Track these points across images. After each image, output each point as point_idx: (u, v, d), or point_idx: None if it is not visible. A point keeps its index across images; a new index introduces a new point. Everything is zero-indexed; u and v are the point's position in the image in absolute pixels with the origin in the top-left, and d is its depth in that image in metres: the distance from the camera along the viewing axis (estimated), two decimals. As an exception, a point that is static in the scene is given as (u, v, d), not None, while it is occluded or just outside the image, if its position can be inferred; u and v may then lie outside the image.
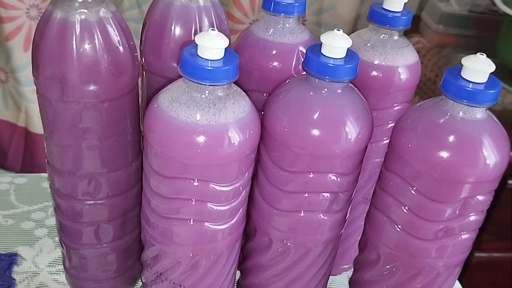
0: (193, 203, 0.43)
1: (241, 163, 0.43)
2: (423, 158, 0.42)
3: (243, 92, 0.43)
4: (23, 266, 0.60)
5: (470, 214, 0.44)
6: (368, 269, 0.50)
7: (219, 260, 0.47)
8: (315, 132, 0.42)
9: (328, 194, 0.46)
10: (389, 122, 0.53)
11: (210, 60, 0.39)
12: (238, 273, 0.57)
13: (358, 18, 1.26)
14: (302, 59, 0.45)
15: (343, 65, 0.42)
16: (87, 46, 0.41)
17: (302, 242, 0.49)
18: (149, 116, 0.42)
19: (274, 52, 0.51)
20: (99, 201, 0.50)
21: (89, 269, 0.54)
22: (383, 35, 0.51)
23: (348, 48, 0.42)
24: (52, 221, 0.66)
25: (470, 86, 0.40)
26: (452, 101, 0.41)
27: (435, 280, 0.47)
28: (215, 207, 0.44)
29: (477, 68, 0.40)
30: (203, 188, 0.42)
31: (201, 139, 0.40)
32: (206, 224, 0.44)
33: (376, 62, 0.51)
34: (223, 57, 0.40)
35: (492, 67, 0.40)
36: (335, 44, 0.42)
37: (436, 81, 1.11)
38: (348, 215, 0.51)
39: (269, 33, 0.51)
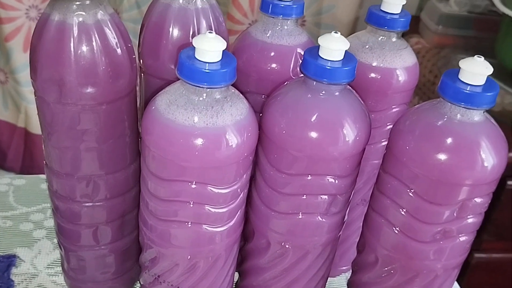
0: (191, 205, 0.43)
1: (239, 166, 0.43)
2: (420, 160, 0.42)
3: (240, 95, 0.43)
4: (21, 267, 0.60)
5: (468, 217, 0.44)
6: (366, 271, 0.50)
7: (217, 262, 0.47)
8: (313, 134, 0.42)
9: (326, 196, 0.46)
10: (388, 124, 0.53)
11: (208, 62, 0.39)
12: (236, 274, 0.57)
13: (357, 19, 1.26)
14: (300, 61, 0.45)
15: (341, 67, 0.42)
16: (84, 49, 0.42)
17: (300, 244, 0.49)
18: (147, 119, 0.42)
19: (272, 54, 0.51)
20: (97, 203, 0.50)
21: (87, 271, 0.54)
22: (381, 37, 0.51)
23: (345, 51, 0.42)
24: (50, 222, 0.66)
25: (468, 89, 0.40)
26: (449, 103, 0.41)
27: (433, 282, 0.47)
28: (213, 210, 0.44)
29: (475, 70, 0.40)
30: (201, 191, 0.42)
31: (198, 141, 0.40)
32: (204, 226, 0.44)
33: (374, 64, 0.51)
34: (220, 59, 0.40)
35: (489, 69, 0.40)
36: (333, 47, 0.42)
37: (436, 82, 1.11)
38: (346, 217, 0.51)
39: (267, 35, 0.51)
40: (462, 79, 0.40)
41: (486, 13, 1.19)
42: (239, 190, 0.44)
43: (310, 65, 0.42)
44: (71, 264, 0.54)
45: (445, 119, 0.42)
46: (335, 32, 0.42)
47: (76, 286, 0.56)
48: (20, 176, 0.74)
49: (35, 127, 1.29)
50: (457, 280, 0.55)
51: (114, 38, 0.43)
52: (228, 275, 0.50)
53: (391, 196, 0.45)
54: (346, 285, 0.56)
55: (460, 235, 0.45)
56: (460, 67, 0.41)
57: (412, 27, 0.53)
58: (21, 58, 1.22)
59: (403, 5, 0.51)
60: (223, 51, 0.40)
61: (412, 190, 0.43)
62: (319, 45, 0.42)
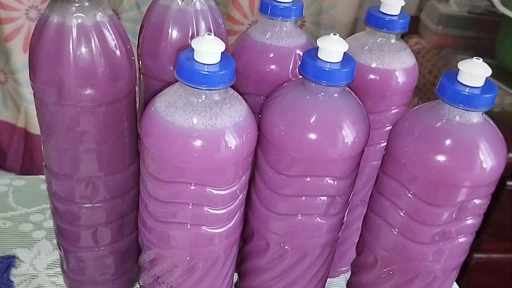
0: (190, 207, 0.43)
1: (238, 167, 0.43)
2: (419, 162, 0.42)
3: (239, 96, 0.43)
4: (21, 268, 0.60)
5: (467, 218, 0.44)
6: (366, 272, 0.50)
7: (217, 263, 0.47)
8: (312, 136, 0.42)
9: (325, 198, 0.46)
10: (387, 125, 0.53)
11: (207, 64, 0.39)
12: (235, 275, 0.57)
13: (357, 19, 1.26)
14: (299, 63, 0.45)
15: (340, 69, 0.42)
16: (83, 50, 0.42)
17: (300, 245, 0.49)
18: (146, 120, 0.42)
19: (271, 55, 0.51)
20: (96, 204, 0.50)
21: (87, 272, 0.54)
22: (380, 38, 0.51)
23: (344, 52, 0.42)
24: (50, 223, 0.66)
25: (467, 91, 0.40)
26: (448, 105, 0.41)
27: (432, 284, 0.47)
28: (212, 211, 0.44)
29: (474, 72, 0.40)
30: (200, 192, 0.42)
31: (197, 143, 0.40)
32: (203, 227, 0.44)
33: (373, 66, 0.51)
34: (219, 61, 0.40)
35: (488, 71, 0.40)
36: (332, 49, 0.42)
37: (435, 82, 1.11)
38: (345, 218, 0.51)
39: (267, 37, 0.51)
40: (460, 81, 0.41)
41: (486, 14, 1.19)
42: (238, 191, 0.44)
43: (309, 66, 0.42)
44: (70, 265, 0.55)
45: (443, 120, 0.42)
46: (334, 34, 0.42)
47: (75, 287, 0.56)
48: (20, 177, 0.75)
49: (35, 128, 1.29)
50: (456, 281, 0.55)
51: (113, 40, 0.43)
52: (227, 276, 0.50)
53: (390, 198, 0.46)
54: (345, 286, 0.56)
55: (459, 236, 0.45)
56: (458, 69, 0.41)
57: (412, 28, 0.53)
58: (21, 59, 1.22)
59: (402, 6, 0.51)
60: (222, 53, 0.40)
61: (411, 192, 0.44)
62: (318, 47, 0.42)
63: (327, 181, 0.45)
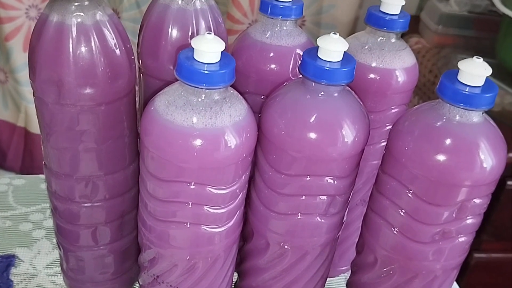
0: (190, 206, 0.43)
1: (237, 166, 0.43)
2: (419, 161, 0.42)
3: (239, 95, 0.43)
4: (20, 268, 0.60)
5: (467, 217, 0.44)
6: (366, 272, 0.50)
7: (216, 263, 0.47)
8: (312, 135, 0.42)
9: (325, 197, 0.46)
10: (387, 124, 0.53)
11: (207, 63, 0.39)
12: (235, 275, 0.57)
13: (357, 18, 1.26)
14: (299, 62, 0.45)
15: (340, 68, 0.42)
16: (83, 49, 0.42)
17: (299, 244, 0.49)
18: (146, 120, 0.42)
19: (271, 54, 0.51)
20: (96, 204, 0.50)
21: (86, 271, 0.54)
22: (380, 37, 0.51)
23: (344, 52, 0.42)
24: (50, 222, 0.66)
25: (467, 90, 0.40)
26: (448, 104, 0.41)
27: (432, 283, 0.47)
28: (212, 210, 0.44)
29: (474, 71, 0.40)
30: (199, 191, 0.42)
31: (197, 142, 0.40)
32: (203, 227, 0.44)
33: (373, 65, 0.51)
34: (219, 60, 0.40)
35: (488, 70, 0.40)
36: (332, 48, 0.42)
37: (436, 81, 1.11)
38: (345, 217, 0.51)
39: (267, 36, 0.51)
40: (461, 80, 0.40)
41: (486, 13, 1.19)
42: (238, 190, 0.44)
43: (309, 66, 0.42)
44: (70, 264, 0.55)
45: (444, 120, 0.42)
46: (334, 33, 0.42)
47: (75, 286, 0.56)
48: (20, 176, 0.75)
49: (35, 127, 1.29)
50: (457, 280, 0.55)
51: (113, 39, 0.43)
52: (227, 275, 0.50)
53: (390, 197, 0.46)
54: (345, 286, 0.56)
55: (459, 236, 0.45)
56: (459, 68, 0.41)
57: (412, 27, 0.53)
58: (21, 58, 1.22)
59: (402, 6, 0.51)
60: (222, 52, 0.40)
61: (411, 191, 0.44)
62: (318, 46, 0.42)
63: (327, 180, 0.45)
